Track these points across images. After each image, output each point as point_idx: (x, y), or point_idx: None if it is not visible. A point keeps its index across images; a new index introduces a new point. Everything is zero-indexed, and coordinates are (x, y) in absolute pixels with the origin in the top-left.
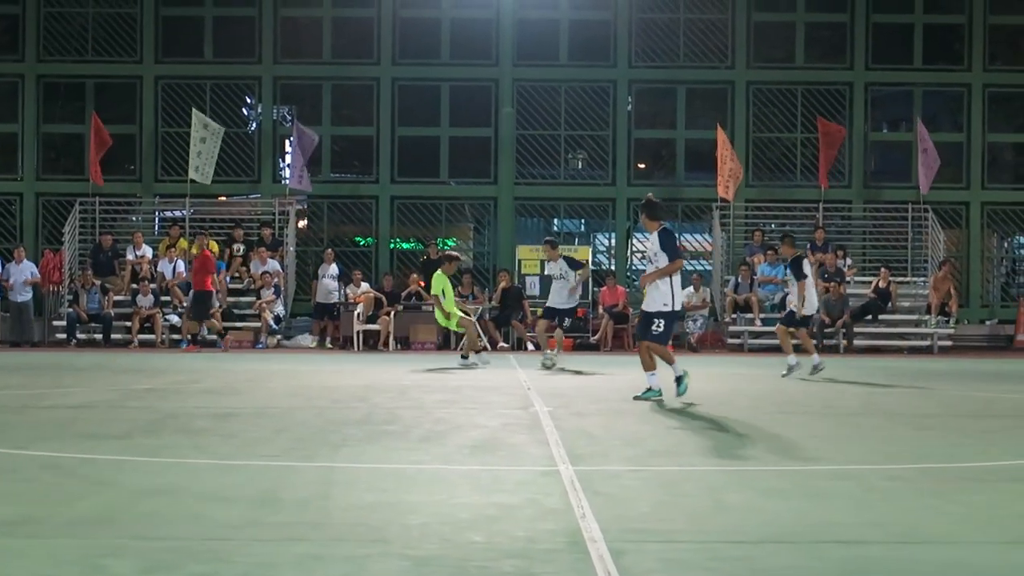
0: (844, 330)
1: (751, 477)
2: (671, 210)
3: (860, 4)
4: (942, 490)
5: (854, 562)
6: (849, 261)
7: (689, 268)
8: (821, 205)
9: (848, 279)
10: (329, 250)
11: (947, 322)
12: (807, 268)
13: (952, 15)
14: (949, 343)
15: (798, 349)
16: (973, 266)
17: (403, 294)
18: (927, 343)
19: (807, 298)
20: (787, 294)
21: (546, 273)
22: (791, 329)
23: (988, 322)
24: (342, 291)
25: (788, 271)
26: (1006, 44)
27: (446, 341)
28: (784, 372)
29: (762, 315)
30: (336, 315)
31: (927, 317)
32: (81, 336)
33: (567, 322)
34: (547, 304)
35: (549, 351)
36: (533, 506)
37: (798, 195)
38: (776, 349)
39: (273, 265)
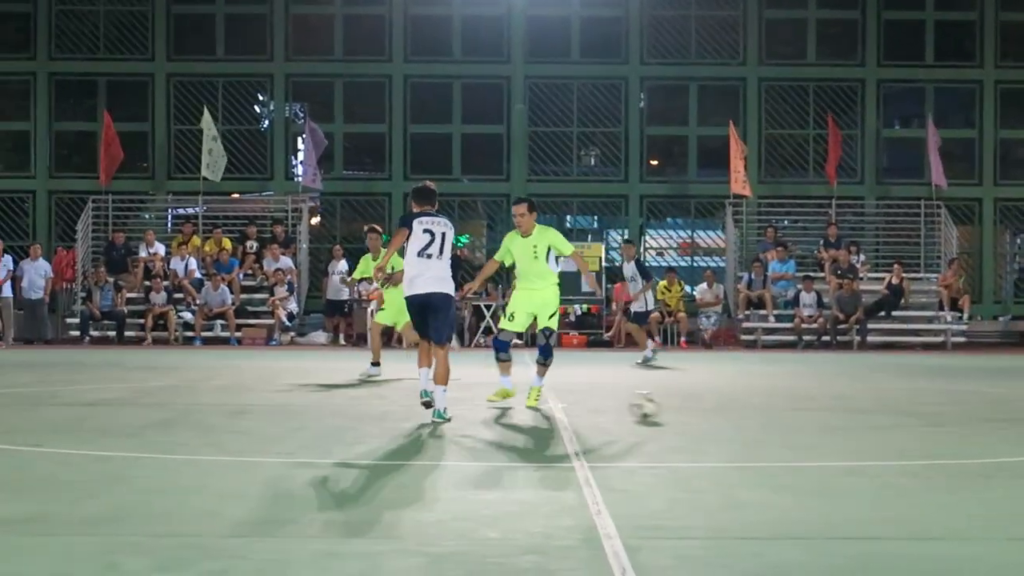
0: (858, 326)
1: (764, 473)
2: (684, 207)
3: (872, 1)
4: (955, 486)
5: (866, 558)
6: (862, 257)
7: (702, 265)
8: (834, 202)
9: (861, 275)
10: (338, 246)
11: (960, 318)
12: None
13: (964, 12)
14: (963, 339)
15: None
16: (986, 262)
17: None
18: (940, 339)
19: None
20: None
21: (623, 273)
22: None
23: (1001, 318)
24: (355, 288)
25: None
26: (1017, 41)
27: (460, 339)
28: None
29: (775, 311)
30: (347, 312)
31: (942, 313)
32: (94, 333)
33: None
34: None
35: (649, 350)
36: (549, 503)
37: (811, 192)
38: (790, 346)
39: (286, 262)
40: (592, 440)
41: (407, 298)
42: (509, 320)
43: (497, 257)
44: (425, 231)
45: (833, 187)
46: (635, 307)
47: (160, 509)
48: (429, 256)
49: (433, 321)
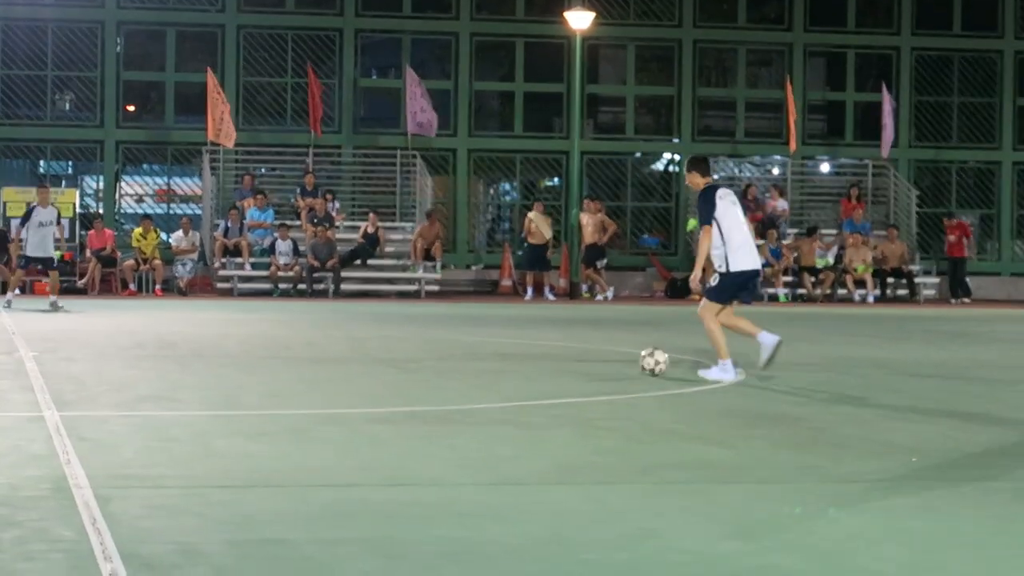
0: (332, 274)
1: (239, 422)
2: (161, 154)
3: None
4: (428, 433)
5: (341, 505)
6: (338, 205)
7: (179, 212)
8: (311, 150)
9: (337, 224)
10: None
11: (433, 267)
12: None
13: None
14: (436, 288)
15: None
16: (460, 212)
17: None
18: (415, 288)
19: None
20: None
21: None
22: None
23: (474, 267)
24: None
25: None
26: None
27: None
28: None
29: (252, 259)
30: None
31: (414, 262)
32: None
33: None
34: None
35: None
36: (16, 452)
37: (290, 140)
38: (266, 294)
39: None
40: (64, 389)
41: None
42: None
43: None
44: None
45: (319, 136)
46: (49, 252)
47: None
48: None
49: None
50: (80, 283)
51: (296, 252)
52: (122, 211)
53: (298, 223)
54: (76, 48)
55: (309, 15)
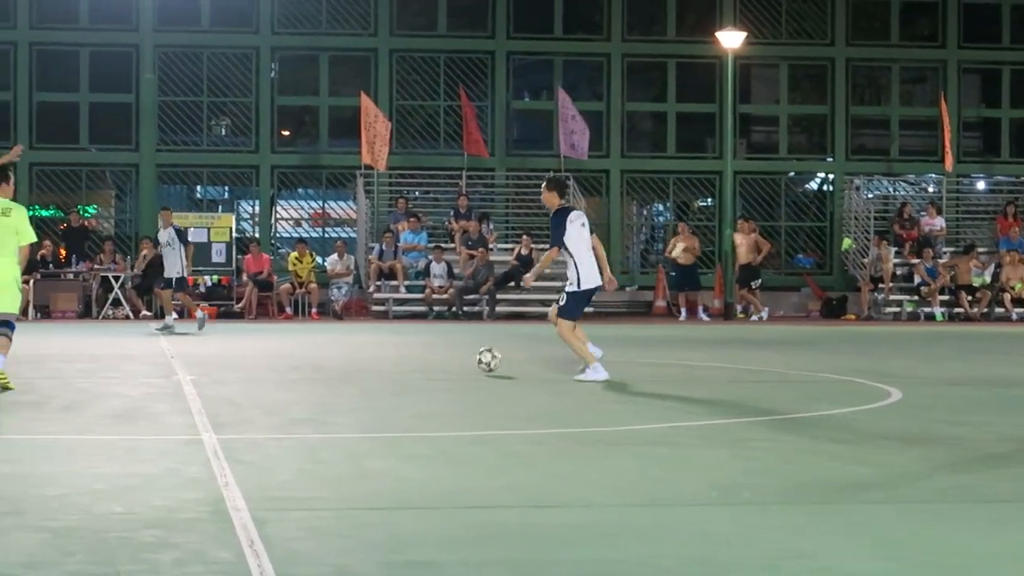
0: (487, 296)
1: (392, 443)
2: (316, 177)
3: None
4: (578, 454)
5: (489, 526)
6: (492, 227)
7: (334, 235)
8: (464, 173)
9: (491, 246)
10: None
11: None
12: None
13: None
14: (591, 310)
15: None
16: (614, 233)
17: (38, 259)
18: None
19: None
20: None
21: (159, 239)
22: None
23: (628, 288)
24: None
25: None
26: (641, 12)
27: (87, 309)
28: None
29: (407, 282)
30: None
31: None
32: None
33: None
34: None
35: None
36: (175, 475)
37: (442, 163)
38: (421, 316)
39: None
40: (221, 412)
41: None
42: None
43: None
44: None
45: (484, 156)
46: (172, 274)
47: None
48: None
49: None
50: (237, 307)
51: (451, 274)
52: (277, 235)
53: (452, 246)
54: (231, 74)
55: (461, 38)
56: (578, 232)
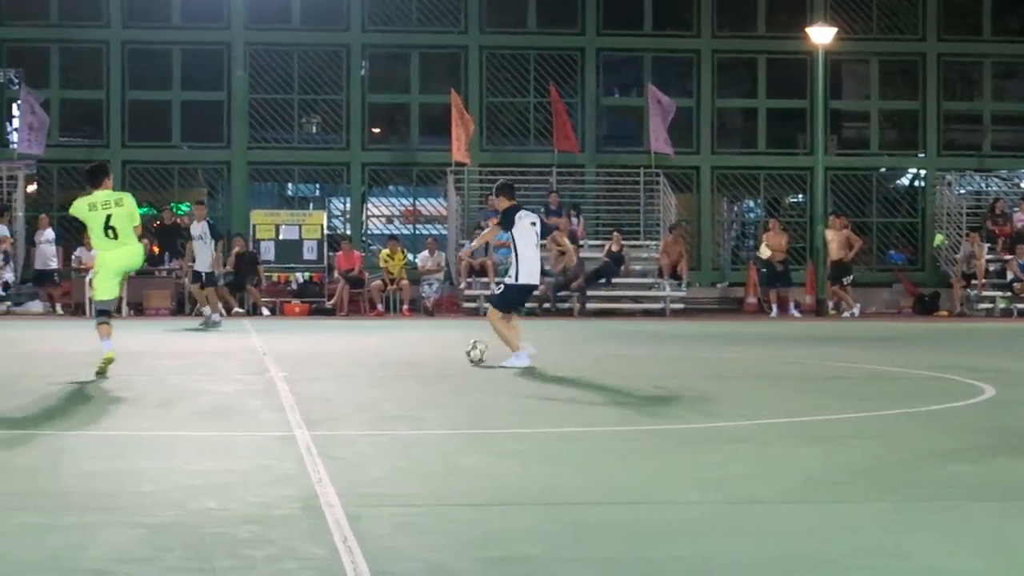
0: (578, 293)
1: (484, 440)
2: (407, 175)
3: None
4: (671, 451)
5: (583, 523)
6: (580, 220)
7: (424, 232)
8: (555, 169)
9: (581, 243)
10: (44, 215)
11: (679, 285)
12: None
13: None
14: (681, 306)
15: None
16: (704, 230)
17: None
18: (660, 306)
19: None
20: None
21: (191, 232)
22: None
23: (719, 285)
24: (67, 256)
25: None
26: (732, 11)
27: (180, 307)
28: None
29: (497, 279)
30: (56, 281)
31: (659, 280)
32: None
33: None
34: None
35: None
36: (269, 472)
37: (532, 160)
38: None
39: (2, 230)
40: (313, 408)
41: None
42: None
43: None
44: None
45: (577, 153)
46: (203, 268)
47: None
48: None
49: None
50: (329, 304)
51: (542, 271)
52: (369, 232)
53: (543, 242)
54: (322, 72)
55: (551, 35)
56: (526, 228)
